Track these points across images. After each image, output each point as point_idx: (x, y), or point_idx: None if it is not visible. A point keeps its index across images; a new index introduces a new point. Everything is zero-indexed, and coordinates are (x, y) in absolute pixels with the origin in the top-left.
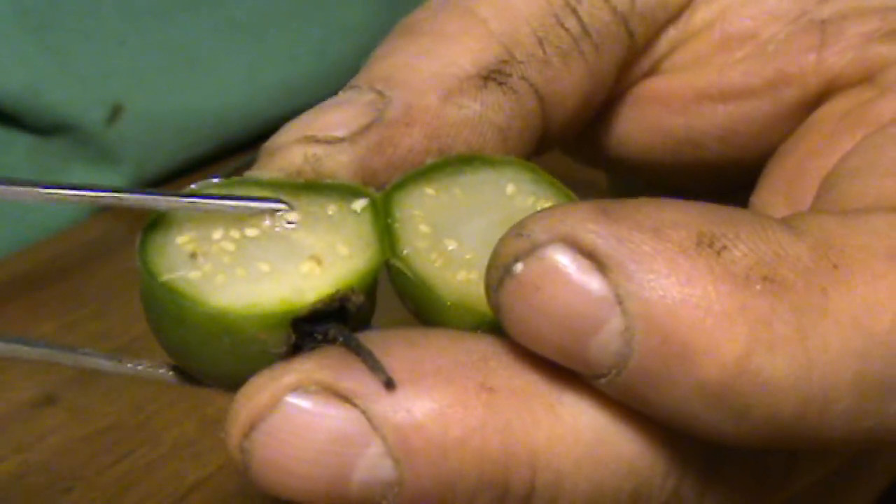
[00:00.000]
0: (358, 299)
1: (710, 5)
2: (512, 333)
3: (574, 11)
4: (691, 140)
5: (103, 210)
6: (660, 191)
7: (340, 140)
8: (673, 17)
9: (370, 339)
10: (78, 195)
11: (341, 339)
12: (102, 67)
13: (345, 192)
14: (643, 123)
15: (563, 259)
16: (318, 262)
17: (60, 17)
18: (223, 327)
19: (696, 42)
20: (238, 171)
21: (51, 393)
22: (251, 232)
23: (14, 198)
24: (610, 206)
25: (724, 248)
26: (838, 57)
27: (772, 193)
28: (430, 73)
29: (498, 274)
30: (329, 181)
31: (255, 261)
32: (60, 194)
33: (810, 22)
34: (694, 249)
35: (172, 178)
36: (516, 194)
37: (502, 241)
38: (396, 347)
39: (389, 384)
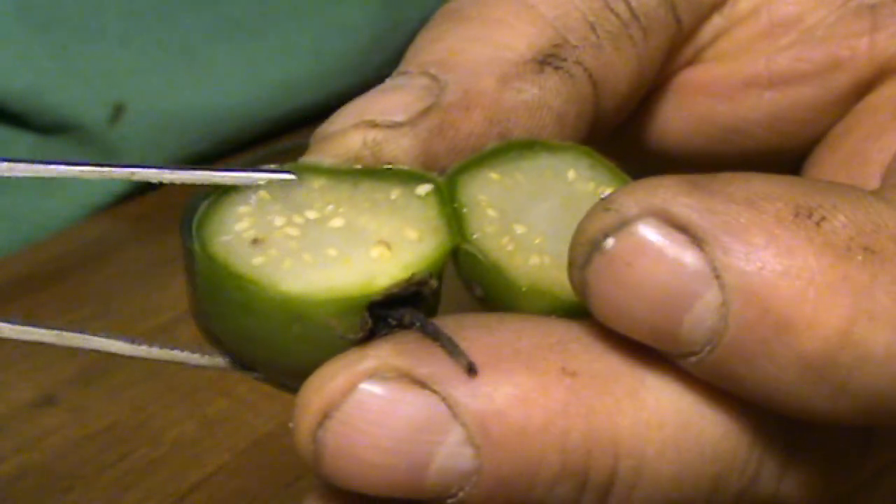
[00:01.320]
0: (434, 283)
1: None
2: (600, 313)
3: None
4: (737, 128)
5: (103, 210)
6: None
7: (400, 124)
8: (719, 4)
9: (444, 324)
10: (72, 170)
11: (418, 323)
12: (105, 67)
13: (407, 177)
14: (686, 112)
15: (657, 233)
16: (388, 246)
17: (63, 17)
18: (294, 314)
19: (741, 29)
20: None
21: (51, 393)
22: (314, 216)
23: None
24: (700, 179)
25: (823, 218)
26: (891, 41)
27: (831, 177)
28: (486, 57)
29: (585, 250)
30: (390, 166)
31: (322, 246)
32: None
33: (860, 6)
34: (792, 220)
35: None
36: (577, 179)
37: (589, 215)
38: (473, 332)
39: (472, 369)
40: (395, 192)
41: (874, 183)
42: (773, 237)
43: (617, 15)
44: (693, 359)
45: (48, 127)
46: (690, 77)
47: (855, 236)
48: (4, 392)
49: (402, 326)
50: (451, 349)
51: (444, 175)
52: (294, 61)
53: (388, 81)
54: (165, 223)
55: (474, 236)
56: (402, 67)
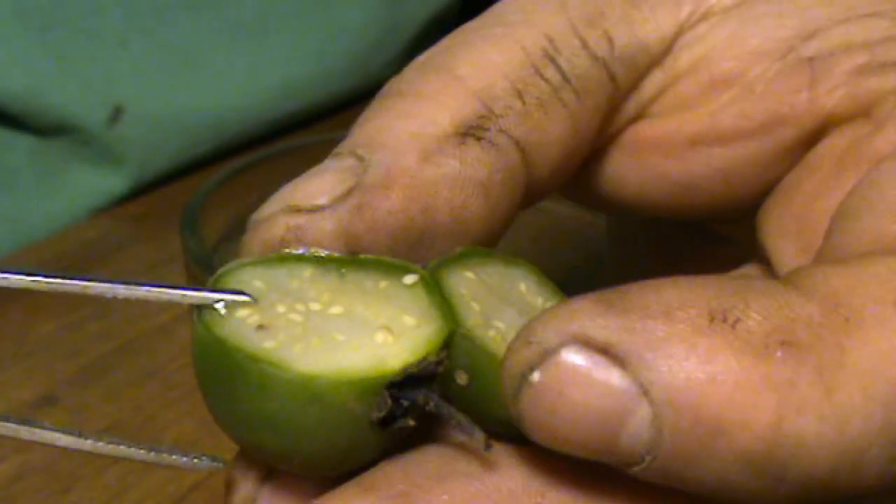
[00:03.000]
0: (445, 364)
1: (694, 47)
2: (539, 440)
3: (553, 60)
4: (688, 184)
5: (103, 211)
6: (657, 226)
7: (322, 208)
8: (656, 60)
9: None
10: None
11: (433, 403)
12: (104, 68)
13: (390, 267)
14: (637, 168)
15: (580, 359)
16: (390, 331)
17: (62, 18)
18: (313, 394)
19: (683, 84)
20: (237, 173)
21: (51, 393)
22: (315, 306)
23: None
24: (612, 296)
25: (738, 319)
26: (830, 94)
27: (782, 238)
28: (409, 133)
29: (514, 384)
30: (374, 257)
31: (329, 331)
32: None
33: (798, 60)
34: (708, 326)
35: (173, 179)
36: (527, 293)
37: (512, 350)
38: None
39: (488, 446)
40: (383, 283)
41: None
42: (693, 346)
43: (546, 80)
44: (636, 468)
45: (47, 128)
46: (638, 133)
47: (771, 332)
48: (4, 392)
49: (417, 406)
50: (467, 428)
51: (427, 268)
52: (294, 63)
53: (321, 164)
54: (165, 223)
55: (469, 323)
56: (337, 149)
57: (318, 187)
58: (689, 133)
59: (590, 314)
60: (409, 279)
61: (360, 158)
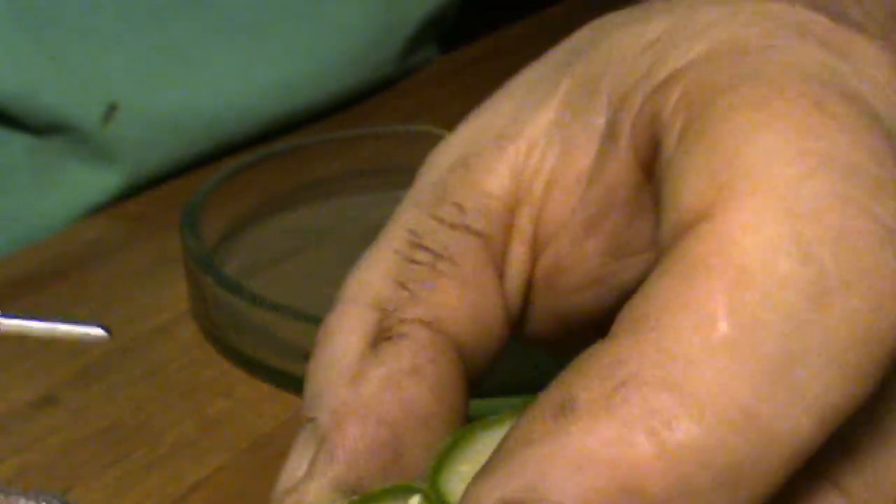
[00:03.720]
0: None
1: (537, 178)
2: None
3: (419, 246)
4: (604, 307)
5: (101, 209)
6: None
7: (303, 478)
8: (511, 203)
9: None
10: None
11: None
12: (98, 66)
13: (397, 492)
14: (557, 305)
15: None
16: None
17: (56, 16)
18: None
19: (546, 215)
20: (237, 173)
21: (51, 393)
22: None
23: None
24: (489, 462)
25: (573, 400)
26: (626, 149)
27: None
28: (336, 373)
29: None
30: (380, 490)
31: None
32: None
33: (605, 142)
34: (558, 425)
35: (170, 177)
36: None
37: None
38: None
39: None
40: None
41: None
42: (555, 451)
43: (420, 262)
44: None
45: (42, 127)
46: (540, 273)
47: (603, 391)
48: (4, 392)
49: None
50: None
51: (425, 479)
52: (289, 61)
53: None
54: (165, 223)
55: None
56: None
57: (293, 465)
58: (578, 280)
59: (477, 490)
60: (414, 501)
61: (311, 419)
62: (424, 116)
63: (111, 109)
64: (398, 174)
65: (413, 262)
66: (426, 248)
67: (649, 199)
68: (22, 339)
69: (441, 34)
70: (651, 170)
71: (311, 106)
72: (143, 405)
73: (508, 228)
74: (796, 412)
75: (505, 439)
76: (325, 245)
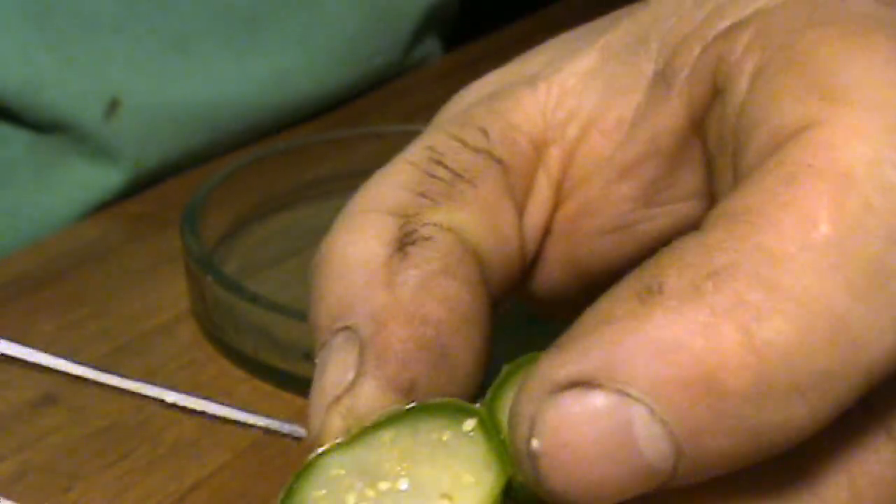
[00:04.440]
0: None
1: (572, 121)
2: (567, 498)
3: (439, 163)
4: (629, 253)
5: (101, 207)
6: None
7: (352, 382)
8: (539, 139)
9: None
10: None
11: None
12: (100, 60)
13: (452, 411)
14: (579, 251)
15: (559, 405)
16: (450, 498)
17: (58, 11)
18: None
19: (579, 158)
20: (238, 173)
21: (51, 393)
22: (384, 485)
23: None
24: (560, 340)
25: (661, 283)
26: (681, 91)
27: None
28: (364, 281)
29: (528, 466)
30: (438, 402)
31: None
32: None
33: (653, 83)
34: (642, 305)
35: (170, 173)
36: None
37: (511, 437)
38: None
39: None
40: (447, 434)
41: None
42: (639, 329)
43: (440, 178)
44: (681, 473)
45: (44, 123)
46: (564, 218)
47: (693, 275)
48: (4, 392)
49: None
50: None
51: (483, 403)
52: (287, 52)
53: (321, 356)
54: (165, 222)
55: None
56: (317, 335)
57: (337, 370)
58: (604, 226)
59: (547, 365)
60: (469, 424)
61: (344, 328)
62: (424, 116)
63: (113, 105)
64: None
65: (431, 175)
66: (446, 167)
67: (691, 150)
68: (22, 338)
69: (443, 29)
70: (701, 121)
71: (310, 98)
72: (143, 405)
73: (533, 166)
74: (886, 324)
75: (582, 317)
76: None
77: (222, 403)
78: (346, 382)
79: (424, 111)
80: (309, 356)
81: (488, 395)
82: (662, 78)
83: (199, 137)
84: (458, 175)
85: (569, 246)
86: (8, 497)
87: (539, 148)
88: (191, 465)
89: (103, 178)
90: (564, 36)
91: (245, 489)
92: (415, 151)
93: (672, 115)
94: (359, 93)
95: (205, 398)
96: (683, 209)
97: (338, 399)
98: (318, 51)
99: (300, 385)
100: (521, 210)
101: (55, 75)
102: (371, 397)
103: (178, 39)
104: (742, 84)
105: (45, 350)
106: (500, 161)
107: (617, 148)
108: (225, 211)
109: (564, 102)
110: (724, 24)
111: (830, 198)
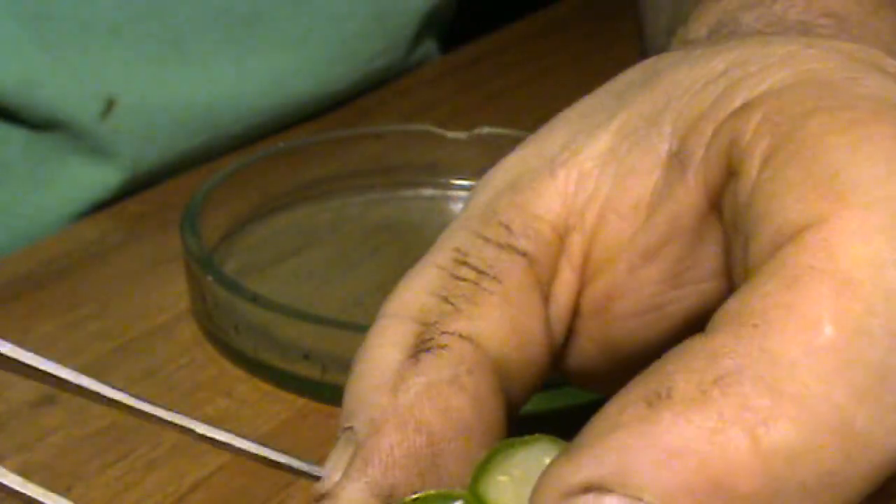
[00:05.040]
0: None
1: (590, 206)
2: None
3: (465, 263)
4: (662, 331)
5: (100, 206)
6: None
7: (340, 482)
8: (561, 227)
9: None
10: None
11: None
12: (96, 60)
13: (436, 500)
14: (603, 334)
15: None
16: None
17: (54, 9)
18: None
19: (598, 242)
20: (237, 173)
21: (51, 393)
22: None
23: None
24: (573, 443)
25: (669, 388)
26: (698, 172)
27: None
28: (374, 385)
29: None
30: (423, 496)
31: None
32: None
33: (668, 164)
34: (650, 410)
35: (168, 172)
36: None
37: None
38: None
39: None
40: None
41: None
42: (648, 434)
43: (465, 279)
44: None
45: (40, 122)
46: (587, 302)
47: (700, 380)
48: (4, 391)
49: None
50: None
51: (468, 488)
52: (285, 52)
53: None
54: (165, 222)
55: None
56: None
57: (328, 472)
58: (633, 308)
59: (561, 469)
60: None
61: (349, 428)
62: (424, 116)
63: (109, 104)
64: (398, 174)
65: (457, 277)
66: (470, 266)
67: (711, 230)
68: (21, 338)
69: (441, 31)
70: (718, 200)
71: (309, 98)
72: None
73: (556, 253)
74: (892, 425)
75: (593, 421)
76: (325, 245)
77: (253, 441)
78: (332, 482)
79: (424, 111)
80: (308, 356)
81: (472, 476)
82: (677, 158)
83: (197, 138)
84: (482, 273)
85: (600, 326)
86: (8, 497)
87: (561, 235)
88: (191, 465)
89: (100, 178)
90: (581, 106)
91: (245, 489)
92: (441, 254)
93: (689, 196)
94: (358, 93)
95: (234, 434)
96: (710, 288)
97: (321, 497)
98: (316, 52)
99: (300, 385)
100: (546, 297)
101: (51, 74)
102: (350, 500)
103: (176, 40)
104: (752, 169)
105: (45, 350)
106: (524, 253)
107: (637, 231)
108: (225, 211)
109: (583, 186)
110: (736, 103)
111: (833, 301)
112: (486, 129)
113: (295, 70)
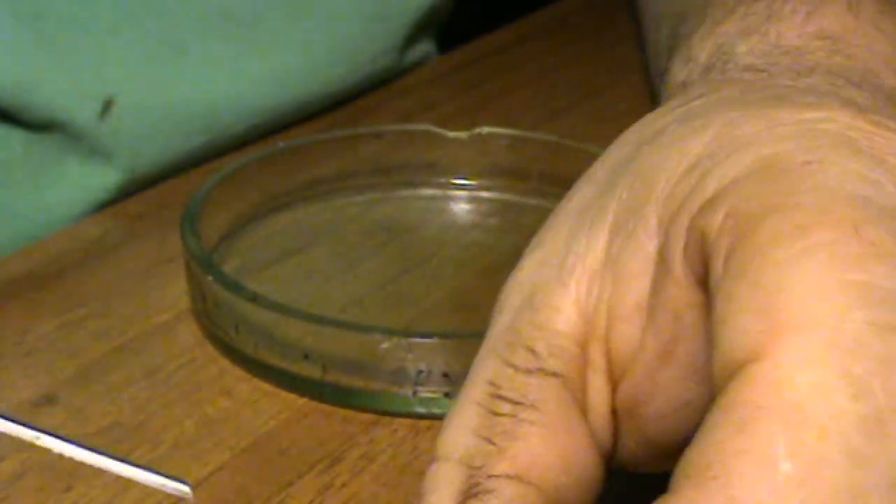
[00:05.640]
0: None
1: (599, 315)
2: None
3: (500, 397)
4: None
5: (100, 206)
6: None
7: None
8: (581, 338)
9: None
10: None
11: None
12: (94, 60)
13: None
14: (646, 433)
15: None
16: None
17: (52, 9)
18: None
19: (613, 350)
20: (238, 172)
21: (51, 393)
22: None
23: None
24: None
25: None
26: (675, 267)
27: None
28: None
29: None
30: None
31: None
32: None
33: (655, 265)
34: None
35: (168, 173)
36: None
37: None
38: None
39: None
40: None
41: None
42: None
43: (504, 414)
44: None
45: (39, 123)
46: (626, 406)
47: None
48: (4, 391)
49: None
50: None
51: None
52: (283, 53)
53: None
54: (165, 222)
55: None
56: None
57: None
58: (663, 408)
59: None
60: None
61: None
62: (423, 115)
63: (108, 104)
64: (398, 173)
65: (495, 413)
66: (506, 399)
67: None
68: (21, 337)
69: (439, 31)
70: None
71: (308, 98)
72: (143, 405)
73: (583, 365)
74: None
75: None
76: (325, 245)
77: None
78: None
79: (424, 111)
80: (308, 356)
81: None
82: (663, 255)
83: (196, 138)
84: (518, 404)
85: (636, 426)
86: (7, 497)
87: (583, 344)
88: (191, 465)
89: (100, 178)
90: (576, 200)
91: (245, 489)
92: (477, 389)
93: (682, 293)
94: (358, 93)
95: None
96: None
97: None
98: (315, 52)
99: (300, 385)
100: (584, 409)
101: (49, 75)
102: None
103: (174, 39)
104: (717, 270)
105: (45, 349)
106: (555, 374)
107: (646, 335)
108: (225, 211)
109: (592, 292)
110: (709, 192)
111: (785, 437)
112: (486, 129)
113: (294, 70)
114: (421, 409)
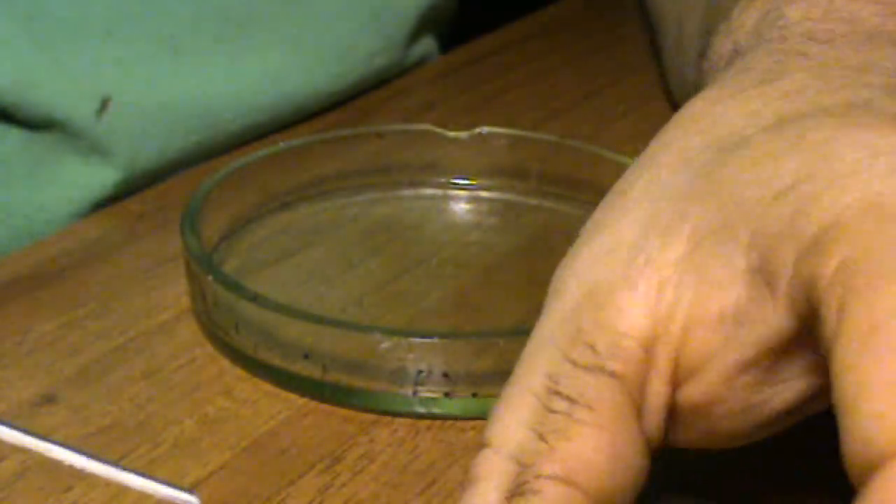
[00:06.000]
0: None
1: (674, 319)
2: None
3: (557, 392)
4: (759, 425)
5: (99, 205)
6: None
7: None
8: (646, 340)
9: None
10: None
11: None
12: (91, 59)
13: None
14: (707, 428)
15: None
16: None
17: (48, 8)
18: None
19: (685, 353)
20: (237, 172)
21: (51, 392)
22: None
23: None
24: None
25: None
26: (786, 295)
27: None
28: None
29: None
30: None
31: None
32: None
33: (752, 280)
34: None
35: (165, 171)
36: None
37: None
38: None
39: None
40: None
41: None
42: None
43: (558, 411)
44: None
45: (36, 121)
46: (691, 405)
47: None
48: (4, 391)
49: None
50: None
51: None
52: (281, 50)
53: None
54: (165, 222)
55: None
56: None
57: None
58: (725, 408)
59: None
60: None
61: None
62: (424, 115)
63: (105, 103)
64: (398, 173)
65: (550, 410)
66: (562, 395)
67: (806, 336)
68: (21, 337)
69: (440, 29)
70: (809, 322)
71: (306, 97)
72: (142, 404)
73: (645, 366)
74: None
75: None
76: (325, 245)
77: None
78: None
79: (424, 111)
80: (308, 356)
81: None
82: (762, 277)
83: (194, 136)
84: (574, 402)
85: (701, 423)
86: (7, 496)
87: (648, 347)
88: (191, 465)
89: (97, 177)
90: (642, 193)
91: (245, 489)
92: (534, 380)
93: (780, 320)
94: (357, 93)
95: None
96: (805, 383)
97: None
98: (312, 51)
99: (300, 385)
100: (639, 410)
101: (45, 73)
102: None
103: (171, 38)
104: (831, 321)
105: (45, 349)
106: (613, 374)
107: (725, 344)
108: (225, 211)
109: (664, 296)
110: (813, 227)
111: None
112: (486, 129)
113: (291, 68)
114: (421, 409)
